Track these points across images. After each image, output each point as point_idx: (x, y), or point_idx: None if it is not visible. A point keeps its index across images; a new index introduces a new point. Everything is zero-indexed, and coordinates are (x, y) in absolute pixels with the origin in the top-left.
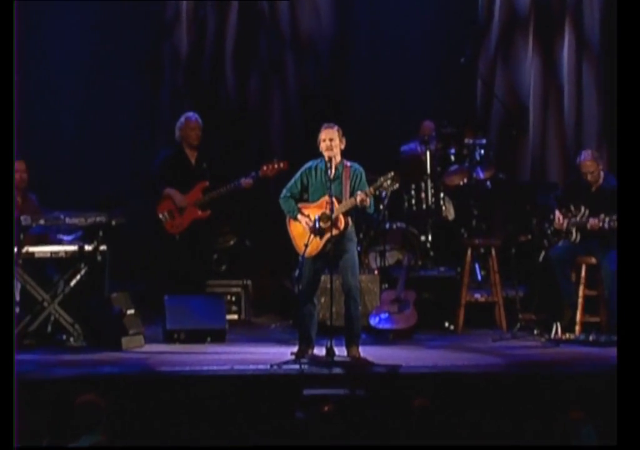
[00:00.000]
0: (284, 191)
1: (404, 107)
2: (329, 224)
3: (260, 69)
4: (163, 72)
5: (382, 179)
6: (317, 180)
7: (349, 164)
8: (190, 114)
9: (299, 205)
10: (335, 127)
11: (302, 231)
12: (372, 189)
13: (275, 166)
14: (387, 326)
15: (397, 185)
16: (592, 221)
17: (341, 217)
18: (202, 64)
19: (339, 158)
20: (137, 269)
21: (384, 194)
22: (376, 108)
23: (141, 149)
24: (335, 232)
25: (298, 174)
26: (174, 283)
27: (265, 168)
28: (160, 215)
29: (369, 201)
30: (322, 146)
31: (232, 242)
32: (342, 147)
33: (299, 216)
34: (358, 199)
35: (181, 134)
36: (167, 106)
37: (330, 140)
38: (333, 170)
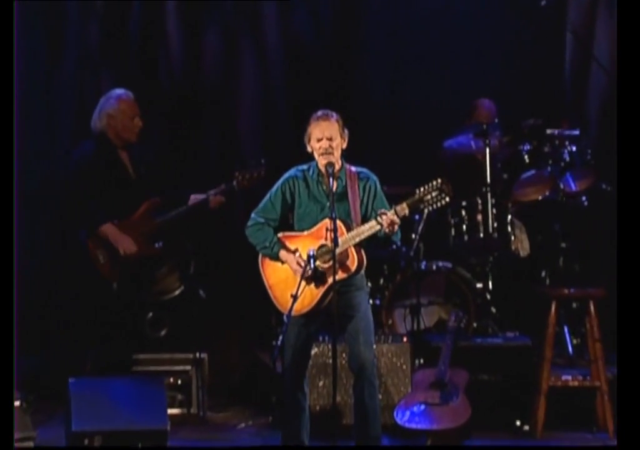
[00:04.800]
0: (254, 216)
1: (447, 79)
2: (331, 262)
3: (223, 25)
4: (67, 27)
5: (423, 190)
6: (308, 197)
7: (354, 169)
8: (120, 91)
9: (280, 235)
10: (334, 117)
11: (286, 276)
12: (407, 206)
13: (255, 174)
14: (423, 425)
15: (447, 199)
16: None
17: (352, 251)
18: (130, 13)
19: (339, 162)
20: (27, 334)
21: (417, 215)
22: (404, 82)
23: (30, 146)
24: (342, 275)
25: (276, 189)
26: (89, 356)
27: (240, 177)
28: (99, 255)
29: (398, 226)
30: (317, 148)
31: (177, 292)
32: (344, 146)
33: (282, 253)
34: (384, 221)
35: (109, 122)
36: (71, 79)
37: (330, 139)
38: (335, 181)
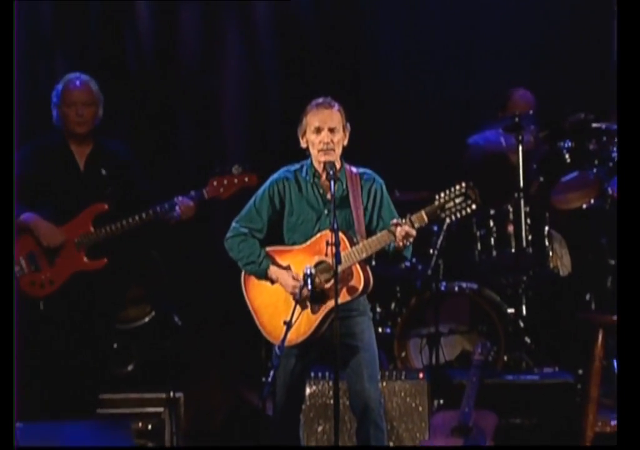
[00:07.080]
0: (235, 225)
1: (473, 66)
2: (331, 282)
3: (202, 1)
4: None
5: (444, 195)
6: (301, 203)
7: (355, 170)
8: (72, 75)
9: (268, 249)
10: (337, 106)
11: (276, 299)
12: (425, 215)
13: (235, 181)
14: None
15: (473, 207)
16: None
17: (357, 269)
18: None
19: (339, 162)
20: None
21: (436, 226)
22: (421, 69)
23: None
24: (346, 297)
25: (262, 193)
26: (34, 397)
27: (215, 183)
28: (15, 264)
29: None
30: (315, 141)
31: (147, 319)
32: (345, 142)
33: (272, 269)
34: (397, 233)
35: (55, 111)
36: (20, 67)
37: (331, 130)
38: (334, 183)
